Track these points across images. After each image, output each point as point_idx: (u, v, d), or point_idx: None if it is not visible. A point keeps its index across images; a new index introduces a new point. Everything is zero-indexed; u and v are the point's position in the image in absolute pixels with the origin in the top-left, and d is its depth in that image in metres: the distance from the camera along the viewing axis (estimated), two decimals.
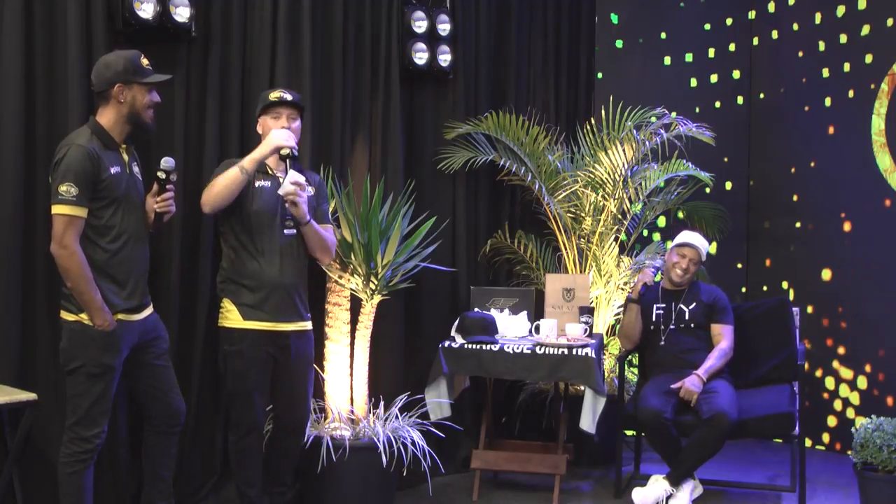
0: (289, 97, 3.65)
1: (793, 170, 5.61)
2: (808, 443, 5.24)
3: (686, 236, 4.54)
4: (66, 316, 3.14)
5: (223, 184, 3.47)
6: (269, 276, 3.55)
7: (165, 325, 3.57)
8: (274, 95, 3.64)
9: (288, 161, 3.53)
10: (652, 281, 4.45)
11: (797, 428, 4.23)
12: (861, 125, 5.18)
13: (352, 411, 4.08)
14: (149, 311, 3.34)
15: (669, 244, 4.80)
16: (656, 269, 4.47)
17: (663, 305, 4.49)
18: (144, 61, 3.21)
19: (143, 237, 3.28)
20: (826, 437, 5.37)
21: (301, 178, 3.50)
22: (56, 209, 3.02)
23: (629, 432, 4.84)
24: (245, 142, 3.92)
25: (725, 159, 5.79)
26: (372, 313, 4.11)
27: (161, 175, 3.26)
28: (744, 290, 5.88)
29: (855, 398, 5.21)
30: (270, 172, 3.62)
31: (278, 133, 3.52)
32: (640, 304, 4.46)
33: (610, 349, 5.01)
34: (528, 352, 4.16)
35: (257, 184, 3.57)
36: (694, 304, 4.45)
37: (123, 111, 3.16)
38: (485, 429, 4.51)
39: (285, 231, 3.59)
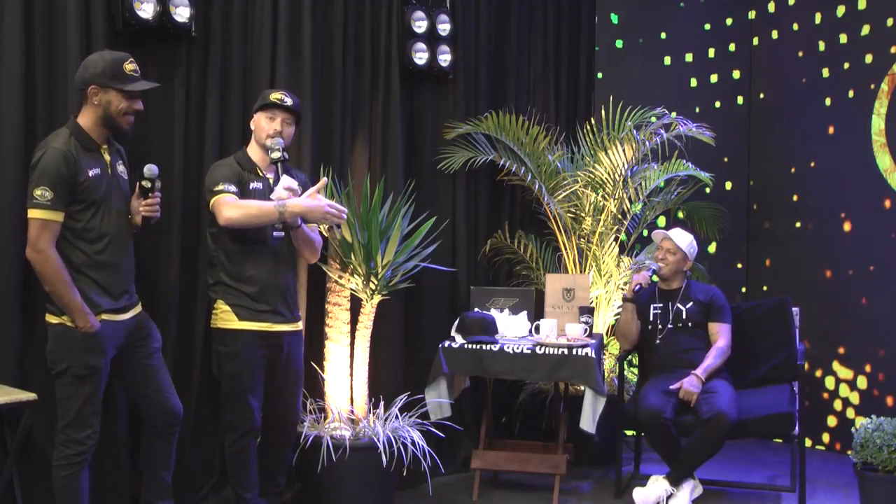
0: (288, 101, 3.60)
1: (793, 170, 5.61)
2: (808, 443, 5.24)
3: (663, 230, 4.57)
4: (51, 319, 3.13)
5: (257, 215, 3.41)
6: (262, 278, 3.54)
7: (165, 326, 3.57)
8: (275, 97, 3.60)
9: (279, 165, 3.53)
10: (647, 282, 4.45)
11: (797, 428, 4.23)
12: (861, 125, 5.18)
13: (352, 411, 4.08)
14: (136, 310, 3.32)
15: None
16: (653, 271, 4.48)
17: (660, 305, 4.49)
18: (129, 67, 3.14)
19: (126, 237, 3.26)
20: (826, 437, 5.37)
21: (294, 184, 3.49)
22: (31, 213, 3.02)
23: (629, 432, 4.85)
24: (245, 142, 3.91)
25: (725, 159, 5.79)
26: (372, 313, 4.11)
27: (146, 184, 3.24)
28: (744, 290, 5.88)
29: (855, 398, 5.21)
30: (261, 175, 3.61)
31: (321, 207, 3.45)
32: (633, 304, 4.47)
33: (610, 349, 5.01)
34: (528, 352, 4.16)
35: (251, 185, 3.57)
36: (691, 303, 4.45)
37: (98, 113, 3.13)
38: (485, 429, 4.51)
39: (274, 233, 3.58)
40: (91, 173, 3.10)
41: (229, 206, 3.41)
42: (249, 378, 3.55)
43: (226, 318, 3.54)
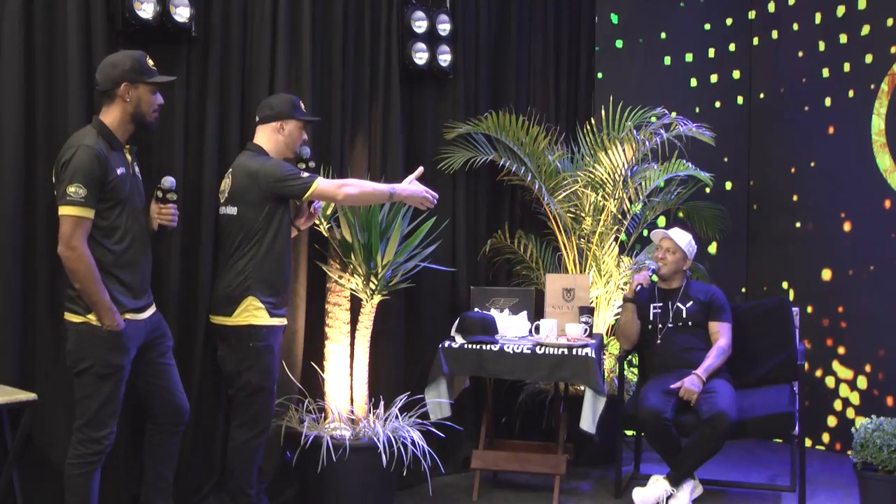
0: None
1: (793, 170, 5.61)
2: (808, 443, 5.24)
3: (663, 230, 4.57)
4: (72, 318, 3.12)
5: (371, 194, 3.65)
6: (284, 273, 3.63)
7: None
8: (304, 107, 3.73)
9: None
10: (648, 282, 4.45)
11: (797, 428, 4.24)
12: (861, 125, 5.18)
13: (352, 411, 4.08)
14: (152, 309, 3.35)
15: None
16: (652, 271, 4.48)
17: (660, 305, 4.49)
18: (150, 62, 3.23)
19: (145, 237, 3.29)
20: (826, 437, 5.37)
21: None
22: (64, 210, 3.02)
23: (629, 432, 4.85)
24: (245, 142, 3.91)
25: (725, 159, 5.79)
26: (372, 313, 4.11)
27: (159, 193, 3.31)
28: (744, 290, 5.88)
29: (855, 398, 5.21)
30: None
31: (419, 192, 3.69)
32: (634, 304, 4.47)
33: (610, 349, 5.01)
34: (528, 352, 4.17)
35: None
36: (690, 302, 4.45)
37: (129, 110, 3.16)
38: (485, 429, 4.51)
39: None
40: (119, 171, 3.14)
41: (345, 185, 3.57)
42: (277, 373, 3.63)
43: (259, 314, 3.54)
